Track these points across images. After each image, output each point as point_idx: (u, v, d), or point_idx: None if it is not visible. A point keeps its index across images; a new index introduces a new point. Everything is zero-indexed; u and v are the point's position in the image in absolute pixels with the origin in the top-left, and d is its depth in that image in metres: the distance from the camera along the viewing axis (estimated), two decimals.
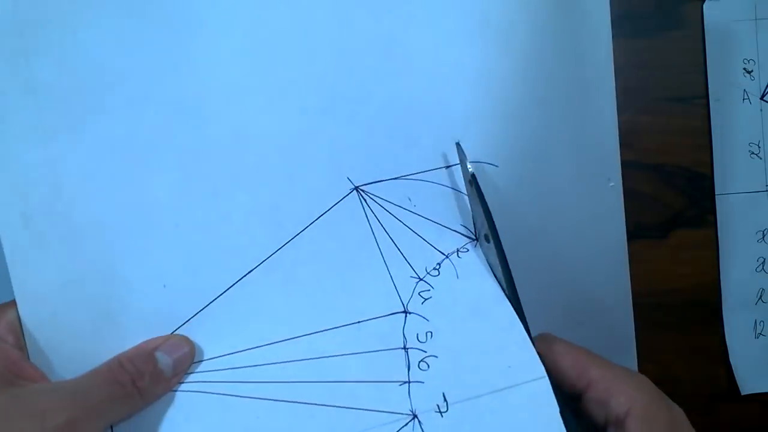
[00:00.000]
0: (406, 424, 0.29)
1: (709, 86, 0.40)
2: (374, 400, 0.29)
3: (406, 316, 0.31)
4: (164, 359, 0.30)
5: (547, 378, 0.29)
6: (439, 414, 0.29)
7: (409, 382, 0.30)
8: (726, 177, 0.40)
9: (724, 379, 0.41)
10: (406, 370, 0.30)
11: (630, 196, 0.39)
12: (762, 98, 0.40)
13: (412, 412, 0.29)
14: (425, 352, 0.30)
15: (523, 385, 0.29)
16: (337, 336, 0.31)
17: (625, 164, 0.38)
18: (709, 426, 0.41)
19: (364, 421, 0.29)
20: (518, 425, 0.28)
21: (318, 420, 0.29)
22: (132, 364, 0.29)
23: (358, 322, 0.31)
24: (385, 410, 0.29)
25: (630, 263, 0.38)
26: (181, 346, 0.31)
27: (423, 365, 0.30)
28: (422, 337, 0.31)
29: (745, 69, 0.40)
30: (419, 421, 0.29)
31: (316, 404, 0.30)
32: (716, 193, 0.40)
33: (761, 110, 0.40)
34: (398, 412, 0.29)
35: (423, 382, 0.30)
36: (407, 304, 0.32)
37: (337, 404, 0.29)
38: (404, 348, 0.31)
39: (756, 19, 0.40)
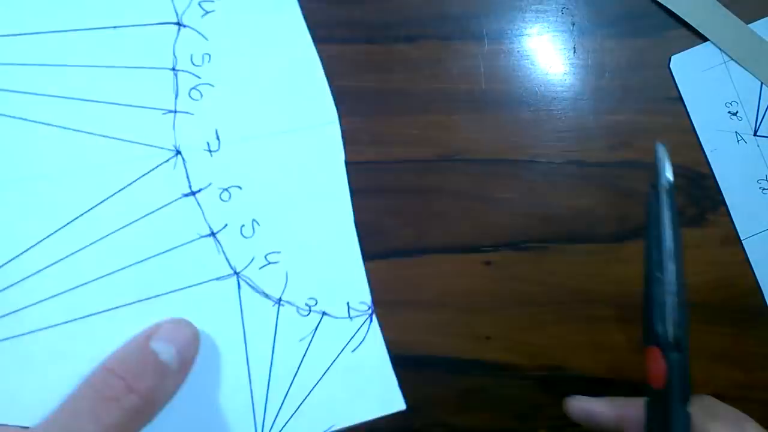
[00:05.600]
0: (167, 161, 0.24)
1: (700, 137, 0.39)
2: (131, 129, 0.24)
3: (179, 29, 0.25)
4: (165, 349, 0.24)
5: (338, 123, 0.25)
6: (208, 153, 0.24)
7: (175, 111, 0.24)
8: (745, 220, 0.40)
9: (732, 379, 0.40)
10: (173, 96, 0.24)
11: (630, 195, 0.39)
12: (755, 135, 0.40)
13: (175, 147, 0.24)
14: (199, 78, 0.25)
15: (312, 128, 0.24)
16: (93, 40, 0.24)
17: (625, 164, 0.38)
18: None
19: (119, 152, 0.23)
20: (301, 166, 0.24)
21: (66, 146, 0.23)
22: (124, 366, 0.23)
23: (115, 27, 0.24)
24: (142, 142, 0.24)
25: (632, 262, 0.37)
26: (181, 330, 0.25)
27: (195, 94, 0.25)
28: (197, 60, 0.25)
29: (729, 112, 0.40)
30: (183, 159, 0.24)
31: (59, 127, 0.23)
32: (741, 238, 0.40)
33: (758, 146, 0.40)
34: (158, 146, 0.24)
35: (193, 114, 0.25)
36: (182, 14, 0.25)
37: (86, 129, 0.24)
38: (173, 69, 0.25)
39: (725, 62, 0.40)
